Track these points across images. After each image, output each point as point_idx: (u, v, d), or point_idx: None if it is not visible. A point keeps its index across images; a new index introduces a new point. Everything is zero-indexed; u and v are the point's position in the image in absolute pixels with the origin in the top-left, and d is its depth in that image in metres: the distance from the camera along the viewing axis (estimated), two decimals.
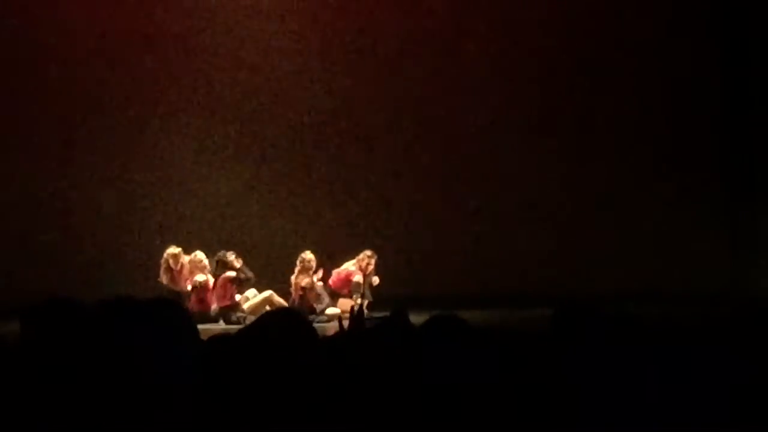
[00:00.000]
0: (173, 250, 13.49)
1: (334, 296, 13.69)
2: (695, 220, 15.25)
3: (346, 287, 13.69)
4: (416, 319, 3.94)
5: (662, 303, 12.55)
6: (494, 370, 3.52)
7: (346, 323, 4.43)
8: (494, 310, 12.08)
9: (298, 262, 13.58)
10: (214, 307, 13.30)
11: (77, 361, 3.14)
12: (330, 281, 13.71)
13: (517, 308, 12.44)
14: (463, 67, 15.33)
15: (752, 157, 15.38)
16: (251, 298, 13.44)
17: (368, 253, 13.84)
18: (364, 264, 13.78)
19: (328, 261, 13.93)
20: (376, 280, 13.75)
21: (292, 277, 13.56)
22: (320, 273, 13.67)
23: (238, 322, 12.51)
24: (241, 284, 13.35)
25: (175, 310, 3.37)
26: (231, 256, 13.39)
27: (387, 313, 4.09)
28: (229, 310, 13.09)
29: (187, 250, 13.70)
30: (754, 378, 3.66)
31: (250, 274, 13.37)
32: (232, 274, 13.32)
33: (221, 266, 13.29)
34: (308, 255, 13.59)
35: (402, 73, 15.25)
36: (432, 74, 15.26)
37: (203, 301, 13.31)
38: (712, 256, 15.03)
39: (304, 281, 13.44)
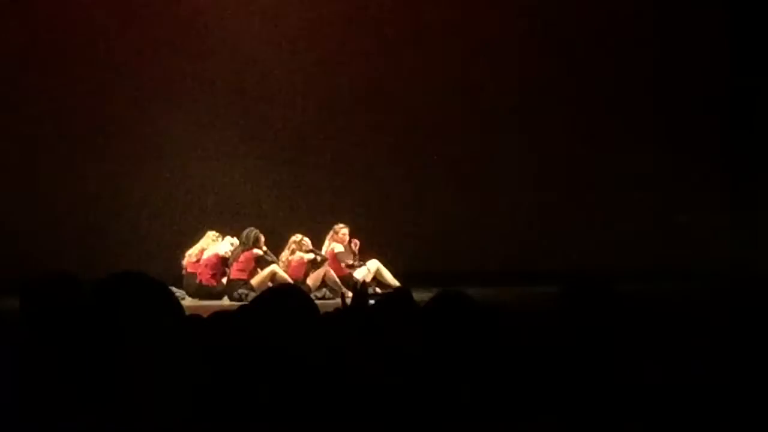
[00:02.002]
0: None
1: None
2: (696, 198, 15.24)
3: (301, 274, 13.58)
4: (421, 296, 3.91)
5: (663, 281, 12.56)
6: (500, 346, 3.50)
7: (348, 300, 4.40)
8: (499, 287, 12.04)
9: (291, 243, 13.52)
10: (224, 280, 13.27)
11: (76, 335, 3.11)
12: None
13: (521, 285, 12.42)
14: (468, 58, 15.26)
15: (754, 136, 15.36)
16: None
17: (339, 225, 13.76)
18: (340, 235, 13.70)
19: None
20: (356, 242, 13.66)
21: (286, 256, 13.47)
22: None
23: (240, 299, 12.50)
24: (262, 265, 13.30)
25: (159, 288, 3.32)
26: (261, 236, 13.35)
27: (390, 290, 4.06)
28: (236, 285, 13.05)
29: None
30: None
31: (274, 258, 13.35)
32: (259, 252, 13.29)
33: (252, 242, 13.22)
34: (298, 237, 13.54)
35: (406, 67, 15.20)
36: (437, 66, 15.19)
37: (216, 276, 13.29)
38: (712, 234, 15.03)
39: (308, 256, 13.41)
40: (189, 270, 13.32)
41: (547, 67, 15.16)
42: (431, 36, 15.22)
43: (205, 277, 13.19)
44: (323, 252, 13.50)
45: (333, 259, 13.48)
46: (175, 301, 3.31)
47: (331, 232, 13.66)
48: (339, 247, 13.54)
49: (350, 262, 13.51)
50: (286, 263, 13.32)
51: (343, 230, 13.62)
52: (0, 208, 14.16)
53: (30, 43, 14.43)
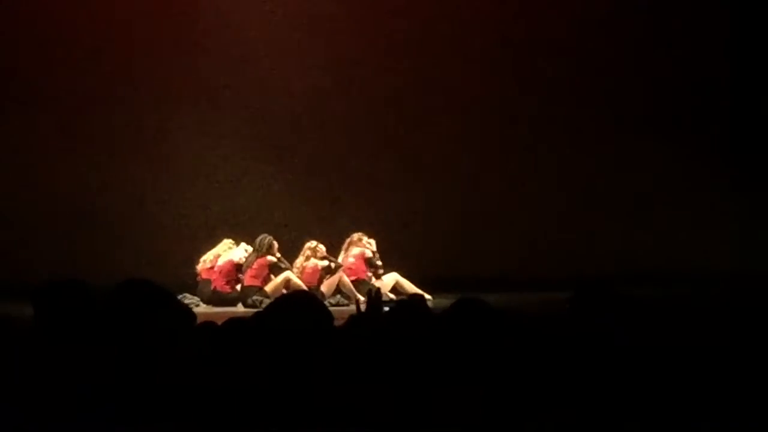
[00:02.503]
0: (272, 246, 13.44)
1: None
2: (706, 202, 15.22)
3: (362, 272, 13.58)
4: (438, 302, 3.90)
5: (675, 284, 12.51)
6: (517, 351, 3.49)
7: (363, 306, 4.38)
8: (513, 293, 12.01)
9: (306, 250, 13.51)
10: (238, 287, 13.26)
11: (87, 341, 3.10)
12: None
13: (533, 291, 12.38)
14: (485, 60, 15.23)
15: (762, 137, 15.35)
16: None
17: (358, 234, 13.75)
18: (364, 242, 13.70)
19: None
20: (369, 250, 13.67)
21: (302, 262, 13.47)
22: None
23: (254, 306, 12.49)
24: (276, 271, 13.29)
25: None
26: (275, 243, 13.34)
27: (403, 297, 4.05)
28: (250, 292, 13.05)
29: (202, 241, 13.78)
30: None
31: (287, 265, 13.34)
32: (273, 258, 13.29)
33: (266, 249, 13.23)
34: (312, 244, 13.53)
35: (425, 62, 15.18)
36: (453, 65, 15.18)
37: (230, 282, 13.29)
38: (721, 237, 15.01)
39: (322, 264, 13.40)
40: (203, 276, 13.33)
41: (570, 74, 15.14)
42: (449, 46, 15.20)
43: (219, 283, 13.19)
44: (339, 259, 13.51)
45: (359, 262, 13.46)
46: (183, 309, 3.30)
47: (352, 240, 13.62)
48: (369, 252, 13.54)
49: (381, 269, 13.52)
50: (301, 270, 13.31)
51: (368, 240, 13.60)
52: (14, 213, 14.22)
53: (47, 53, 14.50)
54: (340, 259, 13.47)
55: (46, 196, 14.36)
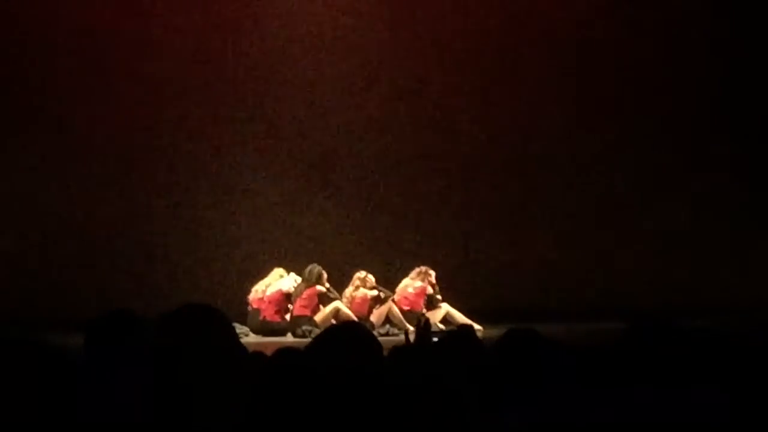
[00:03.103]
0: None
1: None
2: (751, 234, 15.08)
3: (418, 305, 13.54)
4: (489, 332, 3.90)
5: (737, 318, 12.36)
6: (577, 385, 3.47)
7: (412, 337, 4.38)
8: (564, 324, 11.94)
9: (355, 280, 13.52)
10: (287, 317, 13.29)
11: (140, 373, 3.13)
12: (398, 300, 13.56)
13: (585, 322, 12.31)
14: (520, 77, 15.20)
15: None
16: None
17: (422, 267, 13.74)
18: (427, 276, 13.68)
19: (395, 278, 13.85)
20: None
21: (351, 292, 13.48)
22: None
23: (303, 336, 12.51)
24: (325, 301, 13.32)
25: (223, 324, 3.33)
26: (324, 273, 13.38)
27: (453, 328, 4.05)
28: (300, 321, 13.08)
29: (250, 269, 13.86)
30: None
31: (336, 295, 13.38)
32: (322, 288, 13.32)
33: (315, 278, 13.28)
34: (362, 274, 13.54)
35: (463, 87, 15.18)
36: (493, 87, 15.16)
37: (279, 312, 13.33)
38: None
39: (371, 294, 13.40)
40: (254, 306, 13.38)
41: (620, 119, 15.10)
42: (501, 72, 15.19)
43: (269, 313, 13.22)
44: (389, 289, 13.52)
45: (419, 297, 13.44)
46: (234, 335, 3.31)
47: (420, 270, 13.60)
48: (430, 289, 13.52)
49: (439, 304, 13.50)
50: (350, 300, 13.33)
51: (430, 271, 13.57)
52: (65, 246, 14.37)
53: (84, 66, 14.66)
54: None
55: (104, 227, 14.54)
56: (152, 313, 3.67)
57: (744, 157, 15.14)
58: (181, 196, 14.74)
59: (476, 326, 11.39)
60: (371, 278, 13.46)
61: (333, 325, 3.97)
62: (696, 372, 3.63)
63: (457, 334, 4.25)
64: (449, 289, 13.74)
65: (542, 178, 15.16)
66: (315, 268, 13.33)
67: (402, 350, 3.94)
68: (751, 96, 15.16)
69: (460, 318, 13.09)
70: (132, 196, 14.65)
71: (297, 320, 13.08)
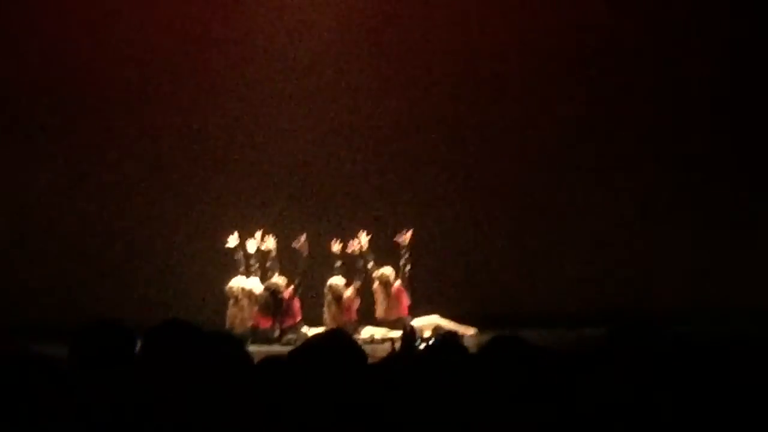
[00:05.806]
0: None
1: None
2: (744, 238, 15.06)
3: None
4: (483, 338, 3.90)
5: (717, 321, 12.38)
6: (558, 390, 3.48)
7: (398, 345, 4.39)
8: (549, 329, 11.94)
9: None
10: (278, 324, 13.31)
11: (126, 383, 3.12)
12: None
13: (568, 327, 12.33)
14: (524, 86, 15.19)
15: None
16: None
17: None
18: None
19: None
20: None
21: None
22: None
23: (289, 343, 12.50)
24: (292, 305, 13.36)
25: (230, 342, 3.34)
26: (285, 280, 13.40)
27: (439, 335, 4.06)
28: (288, 329, 13.14)
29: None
30: None
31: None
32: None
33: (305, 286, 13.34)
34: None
35: (463, 94, 15.19)
36: (501, 92, 15.16)
37: (268, 318, 13.36)
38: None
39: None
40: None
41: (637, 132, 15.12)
42: (527, 87, 15.19)
43: (258, 320, 13.28)
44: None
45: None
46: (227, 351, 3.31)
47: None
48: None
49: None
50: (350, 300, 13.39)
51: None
52: (55, 253, 14.35)
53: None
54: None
55: (97, 235, 14.53)
56: (142, 320, 3.68)
57: (744, 157, 15.16)
58: (172, 201, 14.74)
59: (470, 330, 11.42)
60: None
61: (316, 334, 3.98)
62: (681, 374, 3.65)
63: (442, 341, 4.26)
64: (442, 294, 13.79)
65: (544, 186, 15.12)
66: (303, 276, 13.36)
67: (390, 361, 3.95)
68: (752, 96, 15.15)
69: (451, 328, 13.04)
70: (122, 201, 14.67)
71: (285, 328, 13.16)
